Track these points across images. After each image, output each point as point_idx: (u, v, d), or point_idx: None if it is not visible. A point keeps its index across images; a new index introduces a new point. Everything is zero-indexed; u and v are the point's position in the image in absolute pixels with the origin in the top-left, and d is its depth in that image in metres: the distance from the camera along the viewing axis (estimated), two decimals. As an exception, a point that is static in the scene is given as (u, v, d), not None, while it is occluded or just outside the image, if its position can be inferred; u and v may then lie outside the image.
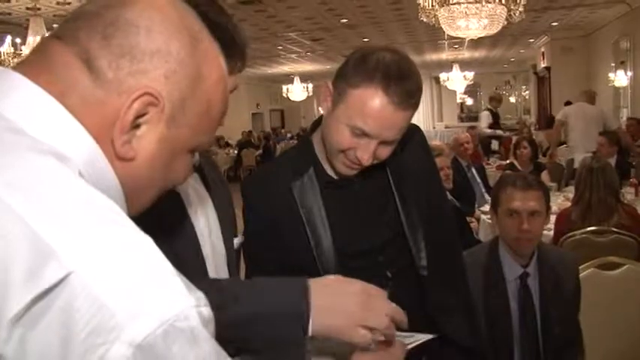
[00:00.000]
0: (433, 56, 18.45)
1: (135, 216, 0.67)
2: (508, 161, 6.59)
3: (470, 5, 7.31)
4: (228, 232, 1.34)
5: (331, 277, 1.14)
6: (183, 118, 0.73)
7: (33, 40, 7.74)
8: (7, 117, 0.64)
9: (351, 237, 1.50)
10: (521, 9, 7.38)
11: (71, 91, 0.68)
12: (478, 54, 18.33)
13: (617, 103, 12.50)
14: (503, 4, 7.37)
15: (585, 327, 2.29)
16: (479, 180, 5.53)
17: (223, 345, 0.64)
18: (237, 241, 1.40)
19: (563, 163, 7.34)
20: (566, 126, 7.48)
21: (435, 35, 13.31)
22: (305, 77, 20.54)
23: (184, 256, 1.11)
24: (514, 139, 7.39)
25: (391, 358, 1.11)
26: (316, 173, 1.50)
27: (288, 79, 21.09)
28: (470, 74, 18.81)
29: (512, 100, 24.99)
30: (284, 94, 21.90)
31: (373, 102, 1.33)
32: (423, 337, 1.26)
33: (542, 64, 15.88)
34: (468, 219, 4.42)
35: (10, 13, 9.30)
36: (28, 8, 8.53)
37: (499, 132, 9.42)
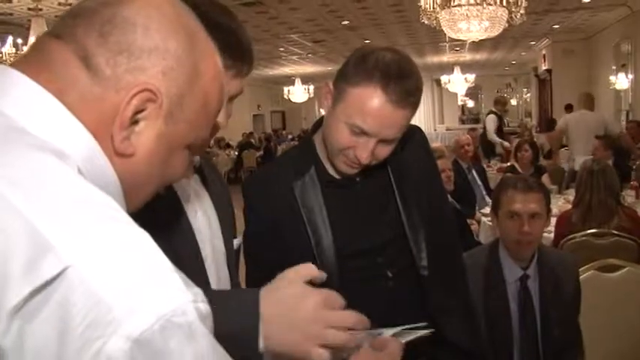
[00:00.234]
0: (434, 58, 18.46)
1: (133, 215, 0.67)
2: (509, 164, 6.59)
3: (471, 7, 7.32)
4: (228, 233, 1.34)
5: (287, 290, 1.07)
6: (181, 114, 0.74)
7: (34, 40, 7.74)
8: (6, 114, 0.65)
9: (351, 237, 1.50)
10: (522, 11, 7.38)
11: (69, 89, 0.68)
12: (479, 56, 18.33)
13: (617, 106, 12.50)
14: (504, 7, 7.37)
15: (585, 329, 2.29)
16: (479, 182, 5.53)
17: None
18: (236, 241, 1.40)
19: (564, 165, 7.35)
20: (568, 133, 7.49)
21: (436, 37, 13.32)
22: (306, 79, 20.56)
23: (182, 255, 1.12)
24: (515, 141, 7.38)
25: (389, 358, 1.10)
26: (317, 173, 1.51)
27: (289, 80, 21.11)
28: (471, 77, 18.82)
29: (514, 102, 24.99)
30: (285, 96, 21.93)
31: (372, 100, 1.34)
32: (419, 333, 1.26)
33: (544, 67, 15.89)
34: (468, 221, 4.42)
35: (11, 14, 9.32)
36: (29, 9, 8.55)
37: (506, 144, 9.32)
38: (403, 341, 1.17)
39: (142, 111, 0.70)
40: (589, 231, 3.32)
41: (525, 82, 23.25)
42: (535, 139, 8.96)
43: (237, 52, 1.16)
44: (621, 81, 11.96)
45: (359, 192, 1.53)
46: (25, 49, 8.21)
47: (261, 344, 0.99)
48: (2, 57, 8.56)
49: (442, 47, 15.81)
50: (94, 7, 0.72)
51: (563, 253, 2.99)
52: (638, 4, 10.70)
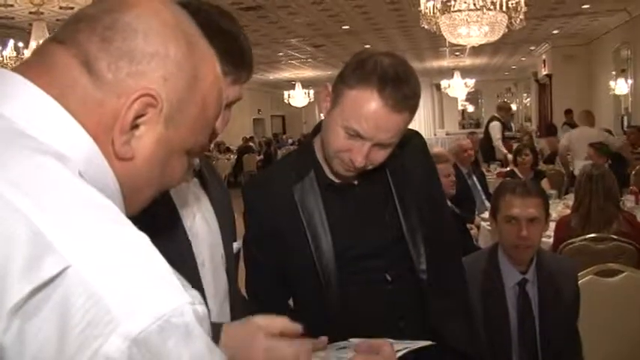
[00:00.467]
0: (434, 63, 18.48)
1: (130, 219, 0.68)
2: (508, 168, 6.59)
3: (471, 13, 7.34)
4: (227, 237, 1.34)
5: (245, 326, 1.10)
6: (180, 118, 0.75)
7: (35, 44, 7.75)
8: (9, 117, 0.66)
9: (351, 240, 1.51)
10: (522, 16, 7.40)
11: (71, 93, 0.69)
12: (479, 61, 18.36)
13: (617, 111, 12.52)
14: (504, 12, 7.39)
15: (584, 333, 2.29)
16: (479, 187, 5.53)
17: None
18: (236, 245, 1.40)
19: (563, 170, 7.38)
20: (571, 150, 7.63)
21: (436, 42, 13.34)
22: (306, 83, 20.58)
23: (174, 261, 1.12)
24: (514, 146, 7.39)
25: None
26: (317, 177, 1.52)
27: (289, 85, 21.13)
28: (471, 81, 18.86)
29: (514, 107, 25.00)
30: (285, 100, 21.94)
31: (368, 103, 1.35)
32: (417, 344, 1.26)
33: (544, 72, 15.92)
34: (468, 226, 4.43)
35: (13, 18, 9.34)
36: (30, 12, 8.55)
37: (509, 156, 9.29)
38: (399, 354, 1.17)
39: (142, 115, 0.71)
40: (588, 236, 3.32)
41: (525, 87, 23.27)
42: (535, 144, 8.98)
43: (238, 58, 1.16)
44: (621, 86, 11.98)
45: (358, 196, 1.54)
46: (26, 52, 8.25)
47: None
48: (3, 61, 8.57)
49: (442, 52, 15.84)
50: (96, 13, 0.73)
51: (562, 257, 2.99)
52: (638, 9, 10.72)
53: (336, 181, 1.52)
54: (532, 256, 2.23)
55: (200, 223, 1.26)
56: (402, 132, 1.43)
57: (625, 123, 11.77)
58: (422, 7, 7.58)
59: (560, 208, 4.61)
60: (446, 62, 17.96)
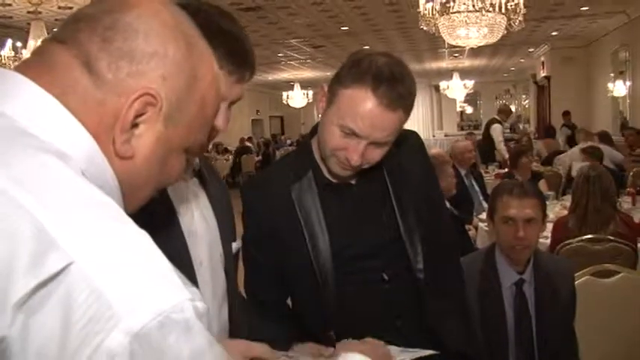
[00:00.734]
0: (433, 64, 18.49)
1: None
2: (506, 170, 6.59)
3: (470, 14, 7.34)
4: (226, 237, 1.35)
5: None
6: (179, 117, 0.76)
7: (34, 43, 7.75)
8: (11, 117, 0.67)
9: (348, 239, 1.52)
10: (521, 18, 7.40)
11: (72, 93, 0.70)
12: (478, 63, 18.36)
13: (615, 113, 12.53)
14: (503, 14, 7.40)
15: (580, 334, 2.29)
16: (477, 188, 5.54)
17: None
18: (235, 245, 1.41)
19: (561, 171, 7.37)
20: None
21: (435, 43, 13.35)
22: (305, 84, 20.58)
23: (172, 260, 1.12)
24: (512, 148, 7.41)
25: (371, 345, 1.11)
26: (315, 176, 1.52)
27: (288, 85, 21.12)
28: (470, 83, 18.85)
29: (512, 109, 25.01)
30: (284, 101, 21.93)
31: (362, 102, 1.36)
32: (420, 352, 1.26)
33: (542, 74, 15.92)
34: (466, 227, 4.43)
35: (11, 17, 9.33)
36: (29, 12, 8.55)
37: (506, 156, 9.27)
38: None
39: (142, 114, 0.72)
40: (585, 237, 3.32)
41: (524, 89, 23.27)
42: (533, 146, 8.99)
43: (241, 58, 1.17)
44: (619, 88, 12.00)
45: (355, 195, 1.55)
46: (25, 52, 8.24)
47: None
48: (1, 60, 8.57)
49: (441, 53, 15.84)
50: (96, 13, 0.74)
51: (559, 258, 3.00)
52: (637, 11, 10.74)
53: (334, 181, 1.53)
54: (529, 256, 2.24)
55: (199, 222, 1.27)
56: (398, 131, 1.44)
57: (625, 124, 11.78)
58: (421, 9, 7.58)
59: (557, 209, 4.62)
60: (445, 63, 17.96)
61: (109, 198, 0.65)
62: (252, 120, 22.78)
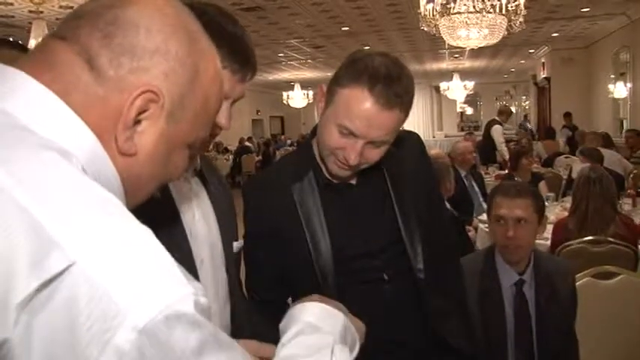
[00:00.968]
0: (433, 65, 18.50)
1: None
2: (507, 171, 6.59)
3: (470, 15, 7.34)
4: (228, 236, 1.35)
5: None
6: (181, 113, 0.76)
7: (35, 43, 7.76)
8: (12, 114, 0.66)
9: (348, 239, 1.52)
10: (521, 19, 7.40)
11: (73, 89, 0.70)
12: (478, 64, 18.37)
13: (616, 115, 12.53)
14: (503, 15, 7.40)
15: (581, 335, 2.30)
16: (477, 189, 5.54)
17: None
18: (237, 245, 1.41)
19: (562, 173, 7.37)
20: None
21: (435, 44, 13.36)
22: (306, 84, 20.59)
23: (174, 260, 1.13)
24: (513, 149, 7.39)
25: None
26: (315, 177, 1.53)
27: (288, 85, 21.13)
28: (470, 84, 18.86)
29: (512, 110, 25.00)
30: (284, 101, 21.94)
31: (359, 102, 1.36)
32: None
33: (543, 75, 15.93)
34: (466, 228, 4.44)
35: (13, 16, 9.34)
36: (30, 11, 8.56)
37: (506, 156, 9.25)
38: None
39: (144, 111, 0.72)
40: (585, 238, 3.33)
41: (524, 90, 23.27)
42: (533, 147, 8.98)
43: (244, 57, 1.18)
44: (620, 90, 12.00)
45: (356, 195, 1.55)
46: (26, 51, 8.22)
47: None
48: (3, 59, 8.56)
49: (441, 54, 15.84)
50: (97, 9, 0.73)
51: (559, 259, 3.00)
52: (637, 13, 10.75)
53: (335, 181, 1.54)
54: (524, 257, 2.24)
55: (200, 222, 1.27)
56: (396, 130, 1.44)
57: (624, 127, 11.78)
58: (421, 9, 7.58)
59: (557, 210, 4.62)
60: (445, 64, 17.97)
61: (110, 194, 0.65)
62: (253, 120, 22.80)
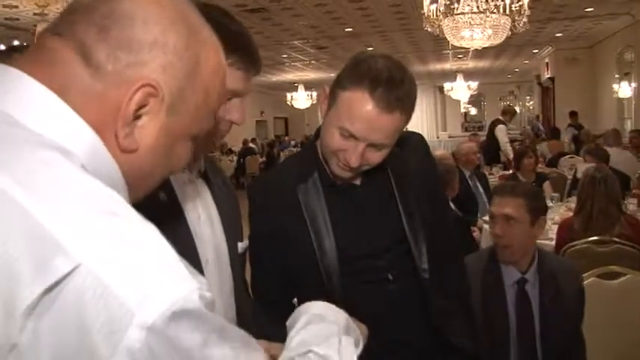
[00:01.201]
0: (437, 66, 18.48)
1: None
2: (511, 171, 6.58)
3: (474, 15, 7.34)
4: (232, 237, 1.35)
5: None
6: (182, 106, 0.74)
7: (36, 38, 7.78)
8: (10, 114, 0.66)
9: (353, 240, 1.52)
10: (525, 19, 7.40)
11: (71, 86, 0.69)
12: (482, 64, 18.35)
13: (620, 115, 12.50)
14: (507, 15, 7.40)
15: (585, 335, 2.29)
16: (481, 190, 5.53)
17: None
18: (242, 245, 1.41)
19: (567, 173, 7.35)
20: None
21: (439, 45, 13.34)
22: (309, 85, 20.58)
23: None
24: (517, 149, 7.36)
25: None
26: (320, 177, 1.53)
27: (292, 86, 21.14)
28: (474, 84, 18.85)
29: (517, 110, 24.93)
30: (288, 102, 21.94)
31: (359, 104, 1.37)
32: None
33: (546, 75, 15.91)
34: (471, 229, 4.43)
35: (18, 19, 9.38)
36: (35, 14, 8.60)
37: (510, 155, 9.21)
38: None
39: (144, 106, 0.71)
40: (590, 238, 3.31)
41: (528, 90, 23.23)
42: (537, 147, 8.95)
43: (248, 53, 1.19)
44: (624, 89, 11.97)
45: (360, 196, 1.55)
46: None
47: None
48: (8, 61, 8.60)
49: (445, 55, 15.83)
50: (92, 2, 0.72)
51: (564, 259, 2.99)
52: (641, 13, 10.73)
53: (339, 182, 1.54)
54: (517, 257, 2.24)
55: (205, 223, 1.27)
56: (397, 133, 1.45)
57: (628, 127, 11.75)
58: (425, 10, 7.59)
59: (562, 210, 4.61)
60: (449, 65, 17.95)
61: (112, 191, 0.64)
62: (257, 121, 22.82)
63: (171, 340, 0.58)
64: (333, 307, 1.01)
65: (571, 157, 8.54)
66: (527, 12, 7.38)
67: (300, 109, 22.16)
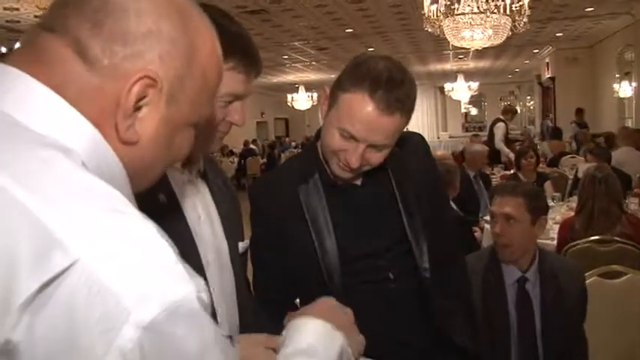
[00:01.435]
0: (438, 66, 18.48)
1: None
2: (512, 171, 6.58)
3: (474, 16, 7.35)
4: (233, 239, 1.35)
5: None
6: (181, 95, 0.74)
7: (28, 33, 7.78)
8: (8, 112, 0.66)
9: (354, 240, 1.53)
10: (525, 19, 7.40)
11: (68, 83, 0.68)
12: (483, 64, 18.34)
13: (621, 114, 12.49)
14: (507, 15, 7.40)
15: (587, 334, 2.30)
16: (484, 190, 5.54)
17: None
18: (243, 245, 1.41)
19: (568, 173, 7.34)
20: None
21: (439, 45, 13.34)
22: (310, 86, 20.58)
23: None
24: (517, 149, 7.36)
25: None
26: (321, 178, 1.54)
27: (293, 88, 21.13)
28: (474, 84, 18.83)
29: (517, 110, 24.92)
30: (289, 103, 21.93)
31: (359, 106, 1.38)
32: None
33: (547, 75, 15.89)
34: (473, 229, 4.43)
35: (18, 21, 9.40)
36: (36, 16, 8.61)
37: (512, 155, 9.21)
38: None
39: (143, 97, 0.70)
40: (592, 238, 3.31)
41: (529, 90, 23.21)
42: (538, 147, 8.96)
43: (249, 54, 1.19)
44: (625, 89, 11.96)
45: (361, 196, 1.56)
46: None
47: None
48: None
49: (446, 55, 15.83)
50: None
51: (565, 258, 2.99)
52: (642, 12, 10.72)
53: (340, 182, 1.54)
54: (517, 257, 2.24)
55: (205, 223, 1.27)
56: (397, 134, 1.46)
57: (629, 126, 11.73)
58: (425, 11, 7.59)
59: (563, 210, 4.61)
60: (449, 65, 17.95)
61: (112, 189, 0.64)
62: (257, 122, 22.82)
63: (164, 342, 0.58)
64: (329, 330, 1.01)
65: (572, 157, 8.54)
66: (528, 12, 7.38)
67: (300, 110, 22.15)
